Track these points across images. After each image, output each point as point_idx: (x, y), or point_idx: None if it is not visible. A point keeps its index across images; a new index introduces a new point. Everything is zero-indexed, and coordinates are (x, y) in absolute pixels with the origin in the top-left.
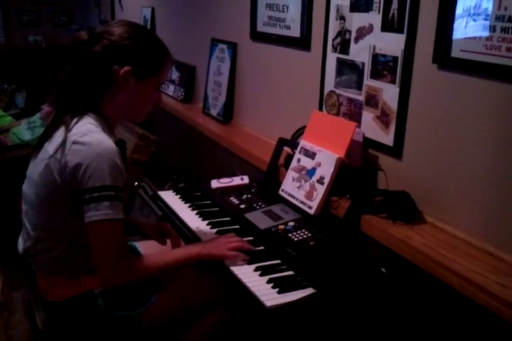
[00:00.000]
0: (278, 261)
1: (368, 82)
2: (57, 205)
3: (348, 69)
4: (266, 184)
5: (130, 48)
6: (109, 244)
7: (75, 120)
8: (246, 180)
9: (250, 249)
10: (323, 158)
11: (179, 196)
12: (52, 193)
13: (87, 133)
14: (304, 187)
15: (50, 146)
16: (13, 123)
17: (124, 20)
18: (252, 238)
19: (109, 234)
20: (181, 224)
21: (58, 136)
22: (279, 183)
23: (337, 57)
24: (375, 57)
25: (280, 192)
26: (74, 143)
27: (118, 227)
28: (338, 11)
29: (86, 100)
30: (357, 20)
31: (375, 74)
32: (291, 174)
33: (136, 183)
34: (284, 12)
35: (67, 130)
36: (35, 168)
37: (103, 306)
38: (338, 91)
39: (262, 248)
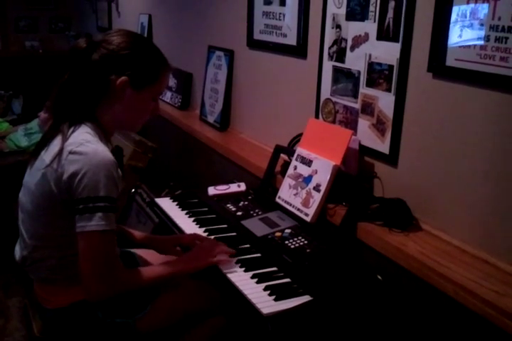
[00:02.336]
0: (275, 269)
1: (363, 90)
2: (54, 214)
3: (344, 77)
4: (263, 191)
5: (128, 58)
6: (99, 255)
7: (71, 129)
8: (243, 187)
9: (231, 253)
10: (320, 166)
11: (176, 203)
12: (49, 202)
13: (84, 143)
14: (301, 194)
15: (47, 155)
16: (10, 130)
17: (123, 29)
18: (248, 245)
19: (100, 245)
20: (178, 231)
21: (55, 145)
22: (276, 190)
23: (333, 65)
24: (371, 66)
25: (277, 199)
26: (70, 153)
27: (109, 239)
28: (334, 19)
29: (83, 108)
30: (353, 29)
31: (371, 83)
32: (287, 181)
33: (133, 190)
34: (280, 20)
35: (64, 139)
36: (31, 177)
37: (100, 313)
38: (334, 99)
39: (258, 255)
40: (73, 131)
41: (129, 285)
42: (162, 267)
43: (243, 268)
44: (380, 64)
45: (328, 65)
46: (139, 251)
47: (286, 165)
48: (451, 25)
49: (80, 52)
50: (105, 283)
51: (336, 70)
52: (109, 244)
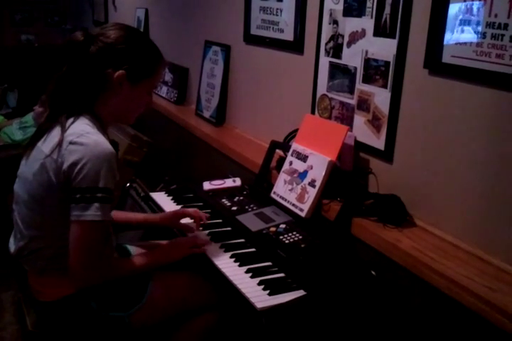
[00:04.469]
0: (269, 263)
1: (359, 86)
2: (52, 204)
3: (340, 73)
4: (258, 186)
5: (125, 52)
6: (90, 244)
7: (70, 120)
8: (238, 182)
9: (206, 243)
10: (315, 161)
11: (171, 197)
12: (47, 192)
13: (84, 133)
14: (296, 189)
15: (45, 146)
16: (5, 123)
17: (119, 23)
18: (243, 240)
19: (93, 235)
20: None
21: (54, 136)
22: (271, 186)
23: (330, 61)
24: (367, 62)
25: (272, 194)
26: (71, 143)
27: (103, 229)
28: (331, 15)
29: (81, 101)
30: (350, 25)
31: (367, 79)
32: (283, 176)
33: (127, 184)
34: (277, 15)
35: (64, 130)
36: (28, 168)
37: (94, 306)
38: (330, 94)
39: (253, 250)
40: (72, 122)
41: (116, 273)
42: (145, 256)
43: (238, 263)
44: (376, 60)
45: (324, 61)
46: (133, 245)
47: (281, 160)
48: (447, 22)
49: (78, 44)
50: (92, 270)
51: (332, 66)
52: (102, 234)
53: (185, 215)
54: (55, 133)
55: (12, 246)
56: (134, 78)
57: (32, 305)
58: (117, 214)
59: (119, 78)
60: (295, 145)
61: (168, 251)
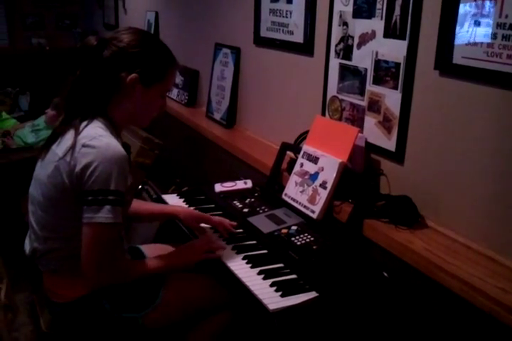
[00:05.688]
0: (281, 265)
1: (370, 87)
2: (65, 206)
3: (350, 74)
4: (269, 188)
5: (138, 56)
6: (102, 245)
7: (84, 123)
8: (249, 184)
9: (221, 248)
10: (326, 163)
11: (183, 199)
12: (61, 194)
13: (97, 136)
14: (307, 191)
15: (59, 149)
16: (17, 126)
17: (132, 27)
18: (255, 241)
19: (105, 237)
20: (185, 228)
21: (67, 139)
22: (282, 187)
23: (340, 63)
24: (378, 63)
25: (283, 196)
26: (83, 146)
27: (115, 231)
28: (341, 17)
29: (95, 104)
30: (360, 27)
31: (378, 80)
32: (294, 178)
33: (140, 186)
34: (287, 17)
35: (77, 133)
36: (43, 170)
37: (108, 307)
38: (340, 96)
39: (265, 251)
40: (86, 126)
41: (128, 274)
42: (160, 259)
43: (250, 265)
44: (386, 61)
45: (334, 63)
46: (144, 247)
47: (292, 162)
48: (458, 22)
49: (91, 49)
50: (104, 271)
51: (342, 68)
52: (114, 236)
53: (207, 222)
54: (69, 136)
55: (27, 247)
56: (147, 81)
57: (46, 306)
58: (135, 204)
59: (132, 81)
60: (306, 147)
61: (183, 255)
